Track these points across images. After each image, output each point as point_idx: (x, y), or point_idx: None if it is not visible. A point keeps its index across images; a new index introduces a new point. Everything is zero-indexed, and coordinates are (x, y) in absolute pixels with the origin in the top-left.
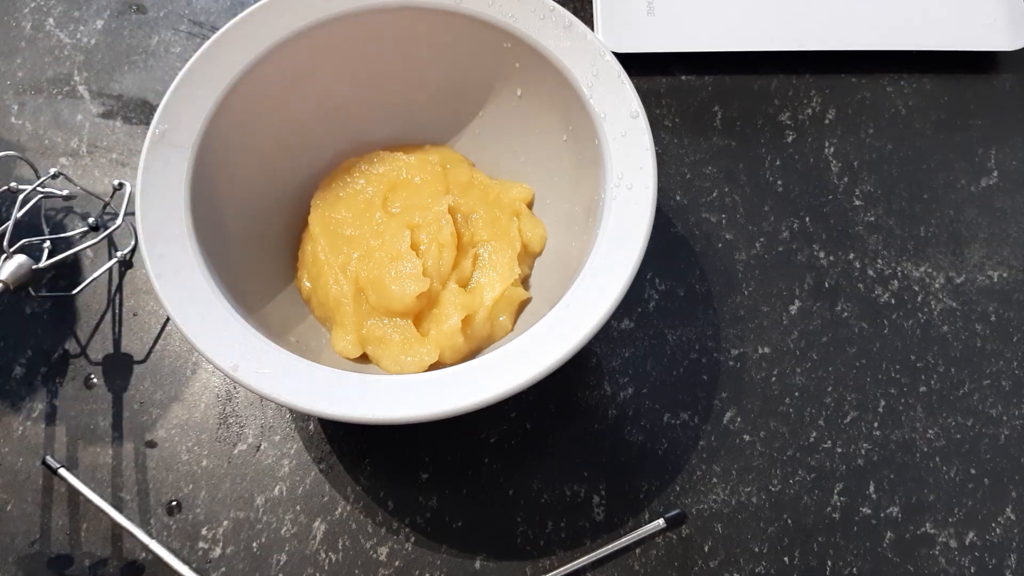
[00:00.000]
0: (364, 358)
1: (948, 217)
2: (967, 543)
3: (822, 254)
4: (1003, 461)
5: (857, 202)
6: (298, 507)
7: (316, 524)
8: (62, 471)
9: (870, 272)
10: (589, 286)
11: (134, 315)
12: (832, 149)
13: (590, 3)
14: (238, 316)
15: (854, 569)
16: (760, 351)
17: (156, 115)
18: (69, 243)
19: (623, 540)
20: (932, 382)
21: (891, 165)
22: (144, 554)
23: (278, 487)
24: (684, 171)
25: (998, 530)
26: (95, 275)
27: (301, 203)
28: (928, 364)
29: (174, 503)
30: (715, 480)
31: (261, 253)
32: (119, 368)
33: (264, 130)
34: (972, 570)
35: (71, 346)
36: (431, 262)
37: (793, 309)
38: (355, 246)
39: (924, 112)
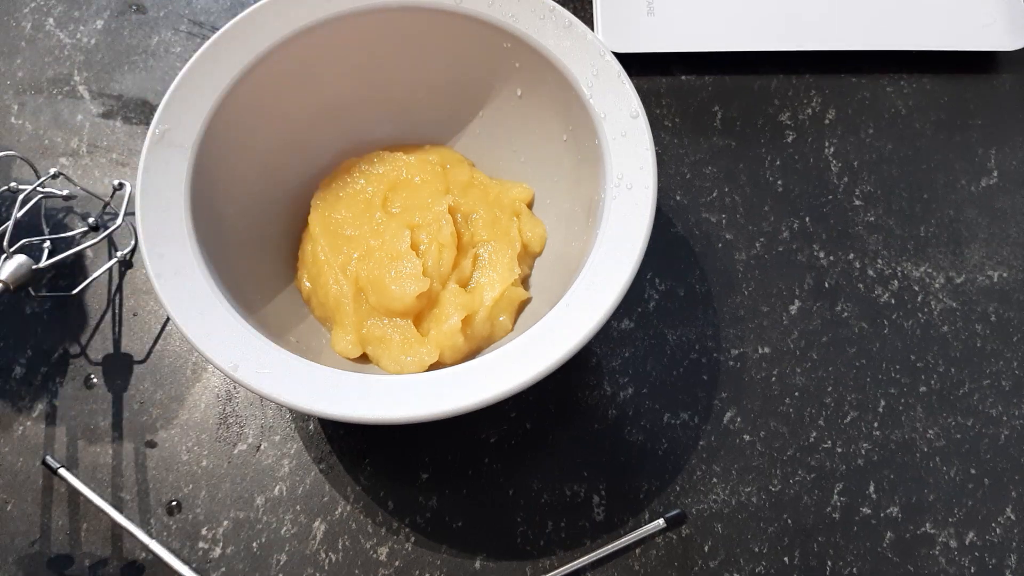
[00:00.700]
0: (364, 358)
1: (948, 217)
2: (967, 543)
3: (822, 254)
4: (1003, 461)
5: (857, 202)
6: (298, 507)
7: (316, 524)
8: (62, 471)
9: (870, 272)
10: (589, 286)
11: (134, 315)
12: (832, 149)
13: (590, 3)
14: (238, 316)
15: (854, 569)
16: (760, 351)
17: (156, 115)
18: (69, 243)
19: (623, 540)
20: (932, 382)
21: (891, 165)
22: (144, 554)
23: (278, 487)
24: (684, 171)
25: (998, 530)
26: (95, 275)
27: (301, 203)
28: (928, 364)
29: (174, 503)
30: (715, 480)
31: (261, 253)
32: (119, 368)
33: (264, 130)
34: (972, 570)
35: (71, 346)
36: (431, 262)
37: (793, 309)
38: (355, 246)
39: (924, 112)
